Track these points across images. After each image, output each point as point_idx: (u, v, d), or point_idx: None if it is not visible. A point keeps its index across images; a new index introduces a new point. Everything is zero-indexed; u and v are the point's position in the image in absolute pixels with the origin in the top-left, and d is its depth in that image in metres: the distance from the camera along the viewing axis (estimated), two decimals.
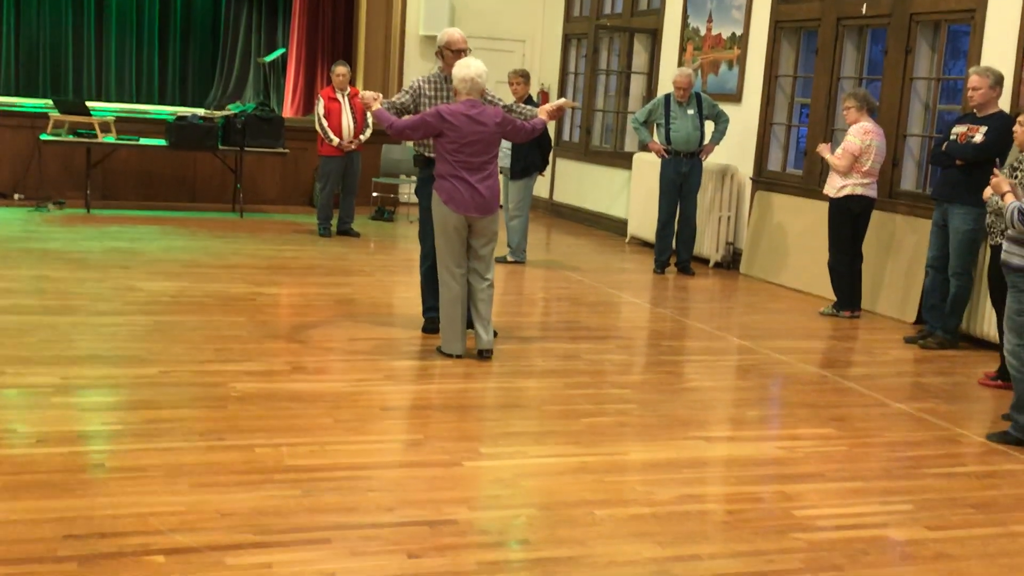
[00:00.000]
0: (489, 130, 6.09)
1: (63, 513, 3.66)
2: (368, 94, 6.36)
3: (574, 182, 13.65)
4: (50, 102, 12.55)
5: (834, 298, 8.35)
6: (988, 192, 5.66)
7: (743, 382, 6.17)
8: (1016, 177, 5.66)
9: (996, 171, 5.54)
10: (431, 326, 6.78)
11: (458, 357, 6.14)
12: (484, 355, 6.17)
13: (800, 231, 9.45)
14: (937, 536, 3.96)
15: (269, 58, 15.29)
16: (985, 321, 7.31)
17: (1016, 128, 5.93)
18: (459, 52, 6.66)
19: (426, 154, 6.70)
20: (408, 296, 7.93)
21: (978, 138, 6.99)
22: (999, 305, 6.17)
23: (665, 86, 11.71)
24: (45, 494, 3.82)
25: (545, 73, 14.51)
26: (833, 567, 3.63)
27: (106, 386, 5.18)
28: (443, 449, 4.60)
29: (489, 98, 6.43)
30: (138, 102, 16.07)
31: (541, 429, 5.02)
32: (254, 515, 3.76)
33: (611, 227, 12.66)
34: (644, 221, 11.50)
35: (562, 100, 6.76)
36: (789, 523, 3.99)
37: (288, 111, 14.74)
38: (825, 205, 8.80)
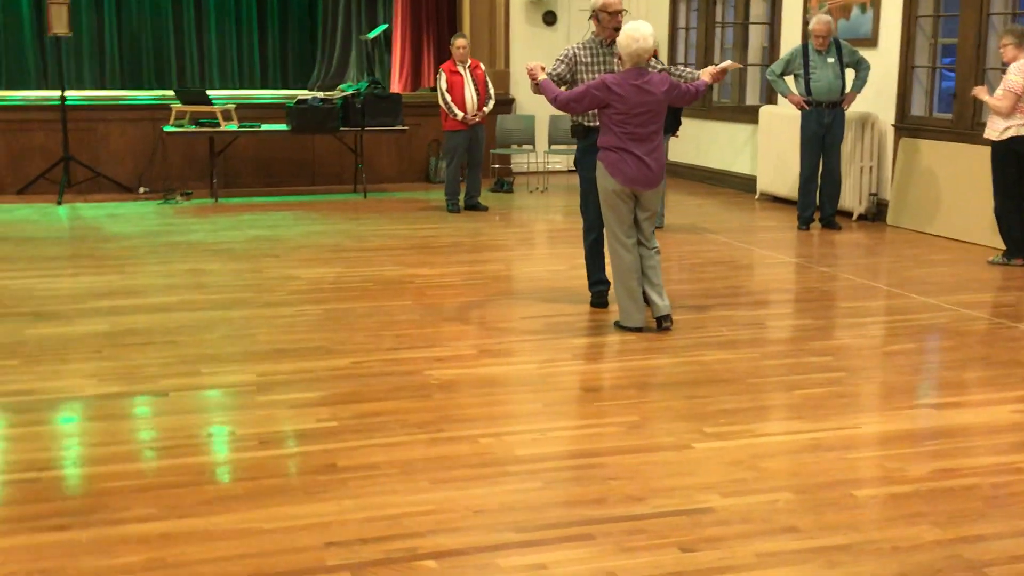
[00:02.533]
0: (657, 99, 5.87)
1: (315, 519, 3.57)
2: (534, 64, 6.18)
3: (692, 140, 13.32)
4: (167, 93, 12.58)
5: (1001, 246, 7.99)
6: None
7: (944, 342, 5.91)
8: None
9: None
10: (599, 300, 6.62)
11: (638, 330, 5.96)
12: (664, 322, 5.99)
13: (952, 177, 9.08)
14: None
15: (372, 34, 15.11)
16: None
17: None
18: (616, 14, 6.45)
19: (586, 124, 6.52)
20: (560, 269, 7.78)
21: None
22: None
23: (788, 36, 11.36)
24: (290, 499, 3.73)
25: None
26: None
27: (304, 381, 5.10)
28: (665, 431, 4.43)
29: (653, 63, 6.21)
30: (240, 88, 16.11)
31: (756, 404, 4.82)
32: (505, 511, 3.64)
33: (735, 184, 12.36)
34: (775, 177, 11.20)
35: (727, 62, 6.50)
36: None
37: (396, 87, 14.61)
38: (979, 149, 8.47)
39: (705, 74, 6.34)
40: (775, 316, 6.41)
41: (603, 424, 4.54)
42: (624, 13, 6.47)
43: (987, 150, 8.36)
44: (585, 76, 6.38)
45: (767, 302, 6.81)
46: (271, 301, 6.74)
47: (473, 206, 10.87)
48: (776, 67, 9.64)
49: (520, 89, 13.56)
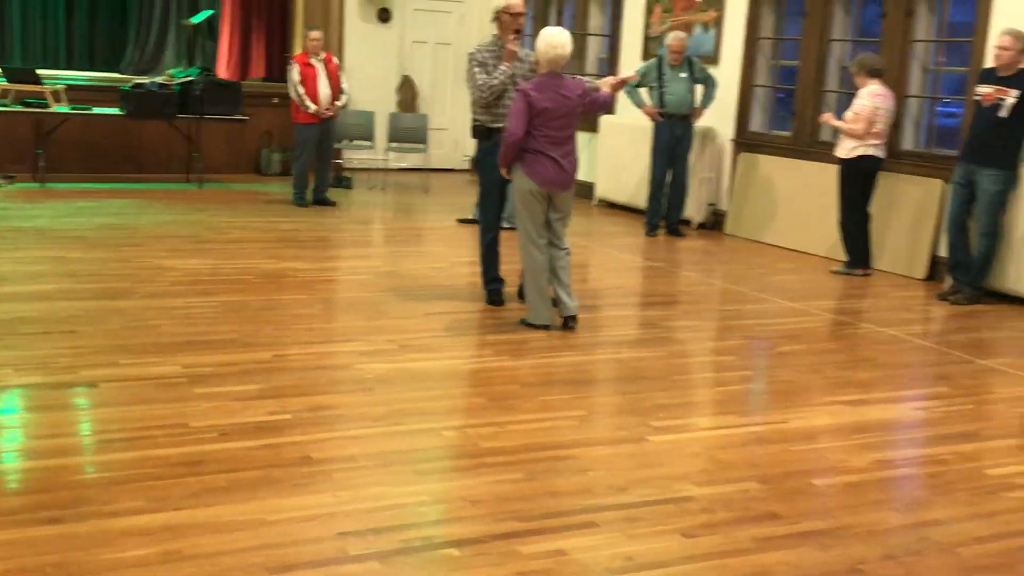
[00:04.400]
0: (573, 103, 6.04)
1: (317, 510, 3.53)
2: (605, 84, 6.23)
3: None
4: None
5: (841, 256, 8.61)
6: None
7: (827, 344, 6.34)
8: None
9: None
10: (495, 298, 6.73)
11: (545, 328, 6.10)
12: (570, 322, 6.16)
13: (788, 191, 9.70)
14: None
15: (196, 19, 14.66)
16: (1010, 277, 7.66)
17: None
18: (517, 16, 6.61)
19: (488, 124, 6.60)
20: (440, 267, 7.88)
21: (1010, 101, 7.28)
22: None
23: (629, 49, 11.83)
24: (279, 492, 3.67)
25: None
26: None
27: (235, 374, 4.97)
28: (616, 425, 4.60)
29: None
30: (44, 67, 15.21)
31: (686, 400, 5.07)
32: (501, 502, 3.70)
33: None
34: (615, 184, 11.62)
35: (627, 73, 6.75)
36: (991, 483, 4.15)
37: (222, 75, 14.20)
38: (815, 165, 9.17)
39: (605, 85, 6.53)
40: (665, 318, 6.69)
41: (554, 418, 4.65)
42: (524, 15, 6.63)
43: (822, 166, 9.08)
44: (476, 70, 6.46)
45: (653, 305, 7.11)
46: (155, 292, 6.49)
47: (322, 200, 10.75)
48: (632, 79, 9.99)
49: (355, 83, 13.47)
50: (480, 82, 6.40)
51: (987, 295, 7.68)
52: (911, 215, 8.54)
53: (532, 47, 6.25)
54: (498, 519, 3.56)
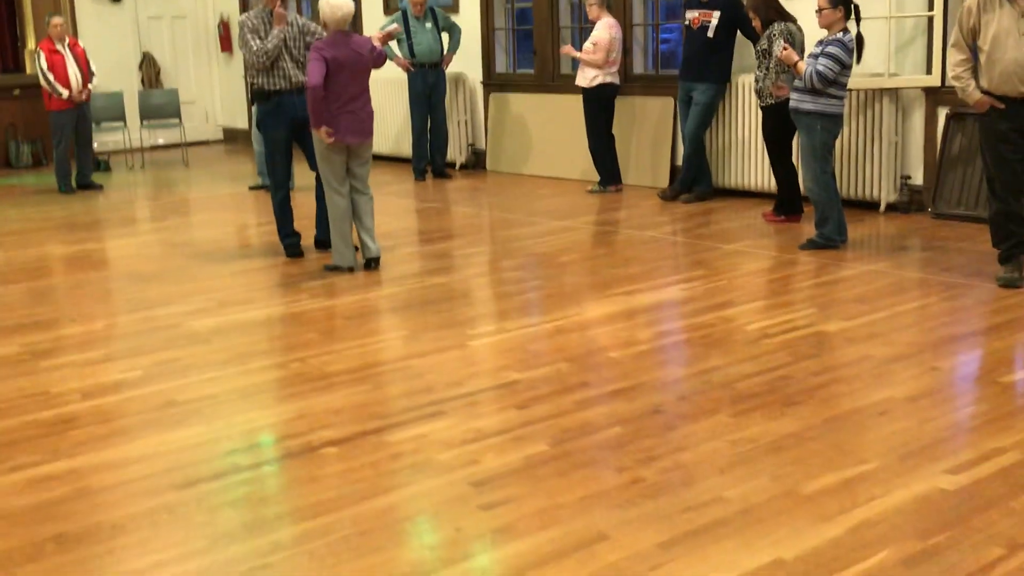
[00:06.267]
0: (366, 57, 6.52)
1: (200, 438, 3.99)
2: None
3: None
4: None
5: (595, 177, 9.52)
6: (779, 57, 6.87)
7: (599, 249, 7.18)
8: (767, 58, 7.18)
9: (785, 45, 6.83)
10: (294, 251, 7.18)
11: (350, 270, 6.64)
12: (372, 264, 6.71)
13: (540, 124, 10.53)
14: (853, 324, 5.18)
15: None
16: (734, 175, 8.76)
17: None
18: None
19: (267, 88, 6.99)
20: (230, 231, 8.24)
21: (714, 22, 8.32)
22: (776, 154, 7.57)
23: (370, 6, 12.29)
24: (156, 430, 4.09)
25: (223, 1, 14.50)
26: (809, 356, 4.73)
27: (73, 345, 5.27)
28: (439, 337, 5.22)
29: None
30: None
31: (494, 310, 5.77)
32: (360, 408, 4.27)
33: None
34: (376, 137, 12.07)
35: (392, 26, 7.29)
36: (751, 335, 5.05)
37: None
38: (560, 97, 10.00)
39: (375, 40, 7.03)
40: (455, 248, 7.36)
41: (383, 340, 5.24)
42: None
43: (567, 97, 9.90)
44: (249, 36, 6.85)
45: (439, 239, 7.74)
46: None
47: (87, 184, 10.76)
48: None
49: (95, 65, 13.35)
50: (255, 47, 6.78)
51: (717, 192, 8.74)
52: (649, 132, 9.53)
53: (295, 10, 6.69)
54: (361, 421, 4.13)
